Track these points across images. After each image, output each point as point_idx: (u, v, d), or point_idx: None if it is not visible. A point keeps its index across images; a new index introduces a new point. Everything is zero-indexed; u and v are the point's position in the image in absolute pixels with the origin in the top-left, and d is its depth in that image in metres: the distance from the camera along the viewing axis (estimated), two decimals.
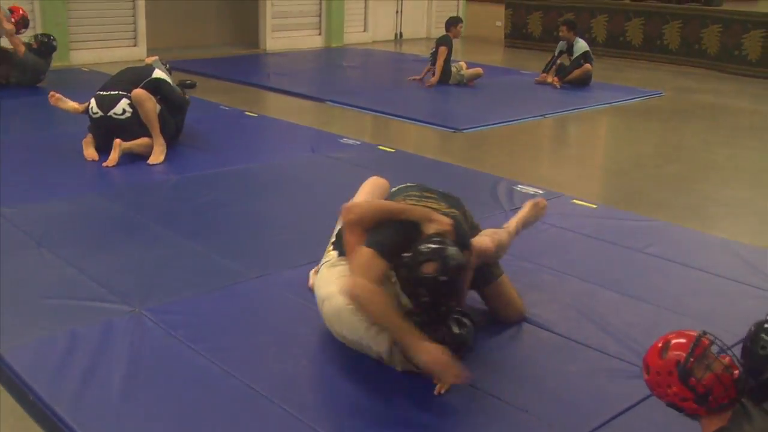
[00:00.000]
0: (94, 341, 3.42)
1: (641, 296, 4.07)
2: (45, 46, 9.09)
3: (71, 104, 6.51)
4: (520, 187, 5.87)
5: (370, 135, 7.76)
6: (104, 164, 6.02)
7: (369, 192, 3.76)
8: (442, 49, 10.21)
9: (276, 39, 13.42)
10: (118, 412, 2.96)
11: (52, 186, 5.58)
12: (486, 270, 3.65)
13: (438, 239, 3.15)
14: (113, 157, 6.03)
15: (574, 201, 5.64)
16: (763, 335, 2.49)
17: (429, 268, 3.04)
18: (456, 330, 3.11)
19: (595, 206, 5.56)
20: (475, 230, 3.74)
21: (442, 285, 3.06)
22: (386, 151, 6.92)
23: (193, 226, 4.85)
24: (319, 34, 14.05)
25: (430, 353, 3.01)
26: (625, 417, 3.03)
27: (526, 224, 4.05)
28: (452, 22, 10.55)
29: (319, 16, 13.99)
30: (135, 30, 11.53)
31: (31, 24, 9.57)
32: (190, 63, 10.93)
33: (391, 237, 3.23)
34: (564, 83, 10.39)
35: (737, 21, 12.06)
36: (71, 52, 10.86)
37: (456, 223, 3.36)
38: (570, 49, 10.59)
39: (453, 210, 3.53)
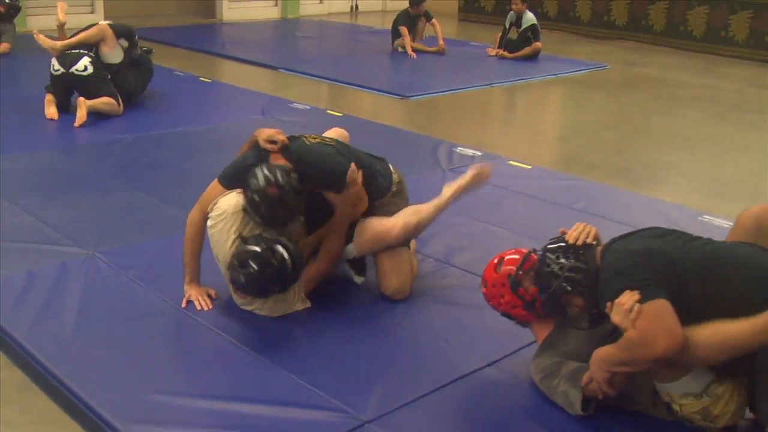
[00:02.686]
0: (50, 279, 3.69)
1: None
2: (13, 9, 9.28)
3: (51, 42, 6.66)
4: (459, 149, 6.19)
5: (321, 101, 8.02)
6: (75, 124, 6.26)
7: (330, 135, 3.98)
8: (403, 30, 10.68)
9: (232, 9, 13.59)
10: (71, 337, 3.25)
11: (12, 141, 5.83)
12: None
13: (267, 165, 3.39)
14: (81, 114, 6.29)
15: (510, 162, 5.97)
16: (549, 254, 2.89)
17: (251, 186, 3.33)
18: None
19: (530, 167, 5.89)
20: (399, 197, 3.92)
21: (258, 204, 3.29)
22: (335, 115, 7.20)
23: (144, 181, 5.12)
24: (276, 5, 14.22)
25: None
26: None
27: (465, 191, 4.11)
28: (414, 1, 10.81)
29: None
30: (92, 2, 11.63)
31: None
32: (148, 31, 11.06)
33: (235, 165, 3.57)
34: (513, 59, 10.68)
35: None
36: (28, 18, 10.95)
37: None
38: (519, 21, 10.88)
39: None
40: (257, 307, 3.48)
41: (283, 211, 3.34)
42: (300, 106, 7.40)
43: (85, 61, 6.43)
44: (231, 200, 3.45)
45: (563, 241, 2.92)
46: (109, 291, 3.64)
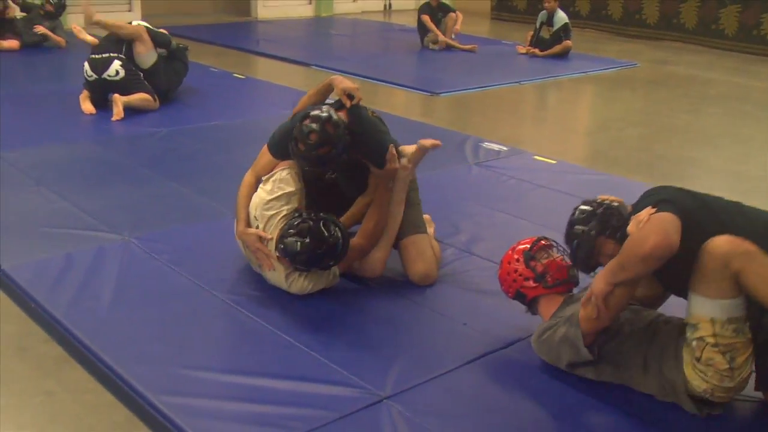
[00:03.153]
0: (87, 262, 3.87)
1: None
2: (60, 7, 9.65)
3: (90, 38, 6.94)
4: (486, 144, 6.30)
5: None
6: (113, 119, 6.47)
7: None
8: (425, 18, 10.76)
9: (267, 8, 13.80)
10: (107, 315, 3.42)
11: (50, 133, 6.07)
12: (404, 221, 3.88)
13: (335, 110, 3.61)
14: (118, 111, 6.50)
15: (535, 157, 6.08)
16: (582, 206, 3.15)
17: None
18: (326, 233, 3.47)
19: (554, 162, 5.99)
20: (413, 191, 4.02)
21: (308, 134, 3.43)
22: None
23: (179, 171, 5.30)
24: (310, 3, 14.41)
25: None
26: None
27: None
28: None
29: None
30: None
31: None
32: (184, 29, 11.28)
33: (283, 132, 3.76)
34: (543, 57, 10.77)
35: None
36: (68, 16, 11.20)
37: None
38: (550, 20, 10.96)
39: None
40: (296, 289, 3.60)
41: (326, 152, 3.47)
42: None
43: (116, 65, 6.60)
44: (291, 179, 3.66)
45: (595, 200, 3.17)
46: (142, 273, 3.81)
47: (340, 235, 3.48)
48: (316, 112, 3.50)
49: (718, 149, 6.84)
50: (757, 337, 2.80)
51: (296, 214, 3.55)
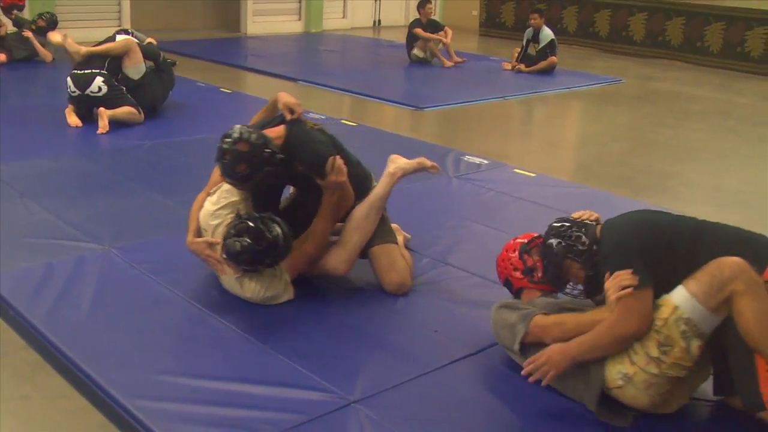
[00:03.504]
0: (67, 271, 3.93)
1: None
2: (51, 23, 9.76)
3: (76, 46, 6.94)
4: (467, 158, 6.39)
5: (336, 111, 8.24)
6: (98, 132, 6.56)
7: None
8: (418, 30, 11.01)
9: (257, 23, 13.91)
10: (86, 324, 3.48)
11: (36, 147, 6.12)
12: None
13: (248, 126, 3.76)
14: (103, 124, 6.59)
15: (515, 170, 6.16)
16: (554, 224, 3.31)
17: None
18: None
19: (533, 175, 6.08)
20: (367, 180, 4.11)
21: (224, 153, 3.60)
22: (348, 124, 7.43)
23: (162, 184, 5.37)
24: (299, 19, 14.53)
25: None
26: None
27: (406, 175, 4.11)
28: (421, 4, 11.21)
29: (299, 2, 14.46)
30: (119, 11, 11.99)
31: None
32: (172, 44, 11.36)
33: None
34: (529, 73, 10.88)
35: (699, 14, 12.56)
36: (58, 30, 11.29)
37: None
38: (536, 37, 11.08)
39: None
40: (249, 293, 3.68)
41: (244, 169, 3.59)
42: (316, 116, 7.60)
43: (98, 82, 6.68)
44: (235, 190, 3.75)
45: (568, 218, 3.30)
46: (121, 282, 3.87)
47: (280, 231, 3.55)
48: (228, 132, 3.65)
49: (698, 163, 6.94)
50: (718, 342, 2.86)
51: (236, 218, 3.64)
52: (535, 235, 3.51)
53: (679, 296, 2.82)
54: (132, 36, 7.18)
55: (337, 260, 3.85)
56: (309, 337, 3.47)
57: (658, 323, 2.84)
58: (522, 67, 10.95)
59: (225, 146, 3.61)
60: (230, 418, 2.87)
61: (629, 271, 2.87)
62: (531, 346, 3.12)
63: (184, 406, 2.92)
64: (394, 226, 4.16)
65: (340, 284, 3.98)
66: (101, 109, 6.62)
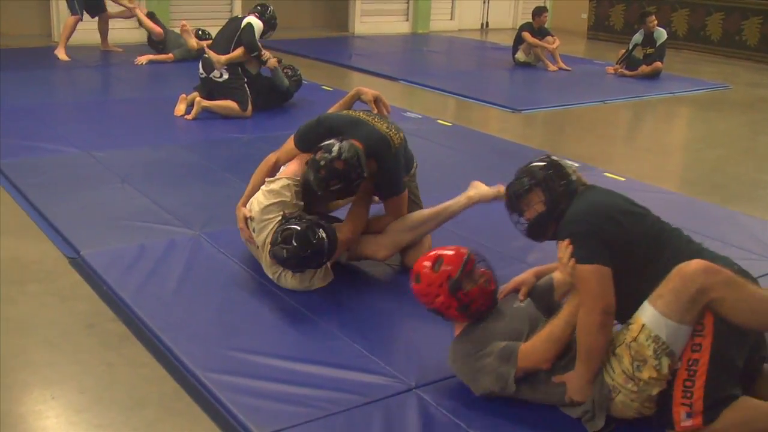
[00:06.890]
0: (158, 252, 4.20)
1: None
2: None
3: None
4: None
5: (433, 111, 8.36)
6: (186, 117, 7.04)
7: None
8: (526, 34, 11.04)
9: (364, 23, 14.16)
10: (170, 300, 3.73)
11: (141, 138, 6.49)
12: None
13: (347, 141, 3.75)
14: (195, 111, 7.01)
15: (605, 174, 6.15)
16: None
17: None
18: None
19: (623, 179, 6.06)
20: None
21: (320, 168, 3.65)
22: (444, 124, 7.56)
23: None
24: (407, 20, 14.71)
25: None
26: None
27: (474, 203, 4.20)
28: (537, 12, 11.23)
29: (407, 2, 14.64)
30: (231, 10, 12.36)
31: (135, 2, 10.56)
32: (281, 43, 11.69)
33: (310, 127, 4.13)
34: (632, 77, 10.76)
35: None
36: (171, 22, 11.74)
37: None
38: (650, 39, 10.89)
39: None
40: (288, 286, 3.85)
41: (337, 185, 3.70)
42: (413, 115, 7.78)
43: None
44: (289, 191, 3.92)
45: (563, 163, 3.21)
46: (207, 265, 4.11)
47: (324, 236, 3.67)
48: (327, 147, 3.68)
49: None
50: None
51: (283, 221, 3.78)
52: (452, 254, 3.09)
53: (648, 315, 2.74)
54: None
55: (379, 245, 4.01)
56: (374, 323, 3.64)
57: (628, 338, 2.78)
58: (625, 71, 10.84)
59: (322, 162, 3.66)
60: (294, 395, 3.04)
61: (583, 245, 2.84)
62: (521, 381, 2.99)
63: (251, 381, 3.11)
64: None
65: (403, 277, 4.09)
66: (198, 98, 7.00)
